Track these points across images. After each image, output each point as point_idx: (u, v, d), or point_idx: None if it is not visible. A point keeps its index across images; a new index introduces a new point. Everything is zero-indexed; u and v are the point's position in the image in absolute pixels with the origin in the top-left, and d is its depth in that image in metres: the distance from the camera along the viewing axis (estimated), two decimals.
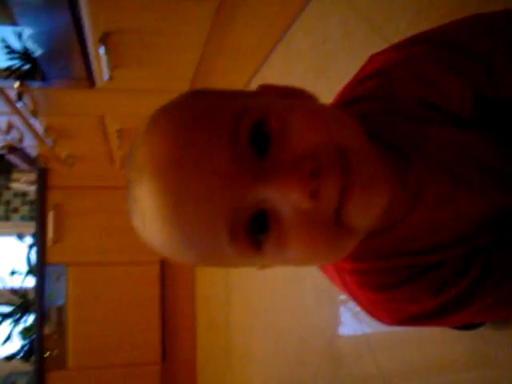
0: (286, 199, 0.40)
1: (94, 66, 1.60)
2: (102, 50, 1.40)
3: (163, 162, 0.40)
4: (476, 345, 0.82)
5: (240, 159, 0.39)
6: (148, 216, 0.41)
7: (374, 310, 0.57)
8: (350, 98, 0.56)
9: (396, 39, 0.60)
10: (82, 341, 3.12)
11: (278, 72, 1.69)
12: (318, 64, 1.38)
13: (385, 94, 0.54)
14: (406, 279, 0.53)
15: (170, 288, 3.33)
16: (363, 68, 0.58)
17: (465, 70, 0.53)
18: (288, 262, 0.45)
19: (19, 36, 1.78)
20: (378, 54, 0.58)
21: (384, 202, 0.44)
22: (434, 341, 0.94)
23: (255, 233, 0.41)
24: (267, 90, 0.49)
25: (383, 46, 0.59)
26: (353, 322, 1.29)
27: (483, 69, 0.54)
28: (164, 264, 3.29)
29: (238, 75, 1.93)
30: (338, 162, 0.40)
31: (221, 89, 0.47)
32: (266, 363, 2.01)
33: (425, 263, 0.54)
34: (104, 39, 1.37)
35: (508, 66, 0.54)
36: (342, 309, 1.35)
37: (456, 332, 0.84)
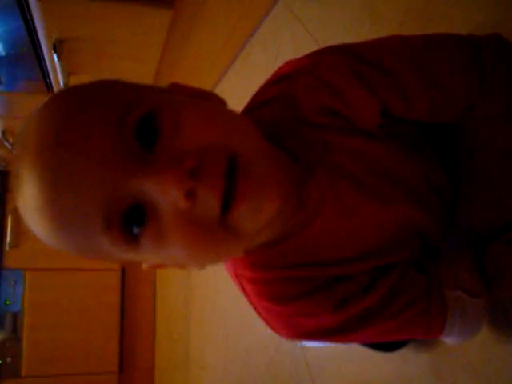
0: (163, 194, 0.38)
1: (50, 71, 1.58)
2: (55, 57, 1.39)
3: (45, 139, 0.38)
4: (399, 366, 0.84)
5: (124, 147, 0.38)
6: (26, 194, 0.39)
7: (272, 321, 0.56)
8: (259, 101, 0.56)
9: None
10: (37, 348, 3.05)
11: (236, 85, 1.70)
12: None
13: (289, 100, 0.53)
14: (306, 292, 0.52)
15: (130, 296, 3.29)
16: (277, 71, 0.57)
17: (377, 86, 0.52)
18: (168, 260, 0.44)
19: None
20: (294, 59, 0.57)
21: (275, 208, 0.42)
22: (365, 359, 0.96)
23: (131, 225, 0.39)
24: (176, 88, 0.48)
25: None
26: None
27: (397, 89, 0.53)
28: (125, 271, 3.25)
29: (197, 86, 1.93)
30: (223, 165, 0.39)
31: (131, 81, 0.46)
32: (219, 374, 2.00)
33: (328, 276, 0.53)
34: (57, 46, 1.35)
35: (421, 90, 0.54)
36: None
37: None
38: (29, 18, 1.27)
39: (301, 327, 0.54)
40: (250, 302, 0.56)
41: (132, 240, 0.40)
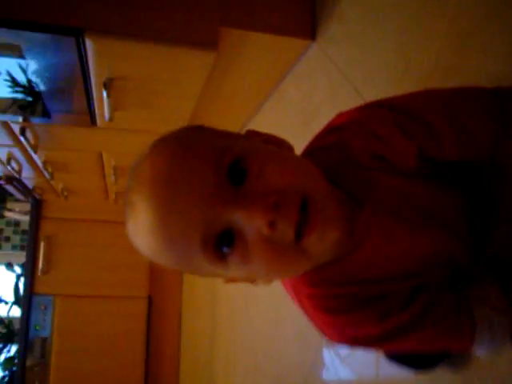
0: (250, 223, 0.49)
1: (96, 107, 1.69)
2: (104, 94, 1.49)
3: (160, 179, 0.49)
4: None
5: (219, 186, 0.49)
6: (140, 219, 0.50)
7: (326, 329, 0.66)
8: (318, 146, 0.67)
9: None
10: (64, 373, 3.12)
11: (270, 121, 1.79)
12: (305, 116, 1.48)
13: (344, 147, 0.64)
14: (355, 306, 0.62)
15: (156, 323, 3.35)
16: (331, 122, 0.68)
17: (415, 134, 0.63)
18: (249, 275, 0.55)
19: (23, 69, 1.83)
20: (345, 112, 0.67)
21: (336, 236, 0.55)
22: None
23: (222, 246, 0.50)
24: (252, 134, 0.60)
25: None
26: (330, 364, 1.34)
27: (432, 136, 0.63)
28: (151, 299, 3.31)
29: (231, 122, 2.03)
30: (298, 203, 0.50)
31: (214, 128, 0.58)
32: None
33: (372, 292, 0.63)
34: (107, 84, 1.46)
35: (452, 137, 0.64)
36: (319, 352, 1.40)
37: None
38: (84, 56, 1.38)
39: (350, 334, 0.64)
40: (307, 313, 0.66)
41: (222, 257, 0.51)
